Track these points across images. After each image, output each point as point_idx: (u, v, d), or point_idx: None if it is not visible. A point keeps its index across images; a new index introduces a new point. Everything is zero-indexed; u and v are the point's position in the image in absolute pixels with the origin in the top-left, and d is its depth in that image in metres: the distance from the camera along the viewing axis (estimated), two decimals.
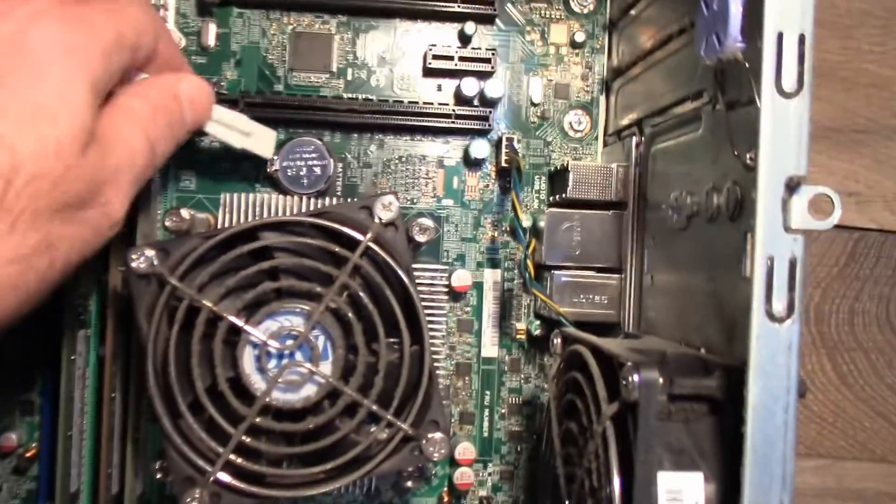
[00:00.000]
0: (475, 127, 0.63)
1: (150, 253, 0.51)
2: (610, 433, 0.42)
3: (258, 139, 0.58)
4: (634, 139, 0.59)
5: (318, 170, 0.62)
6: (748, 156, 0.41)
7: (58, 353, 0.58)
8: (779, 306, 0.38)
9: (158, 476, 0.54)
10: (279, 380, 0.52)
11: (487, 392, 0.66)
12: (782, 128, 0.38)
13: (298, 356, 0.52)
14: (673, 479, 0.40)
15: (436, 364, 0.59)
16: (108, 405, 0.58)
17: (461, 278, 0.64)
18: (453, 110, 0.63)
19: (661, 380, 0.40)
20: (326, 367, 0.52)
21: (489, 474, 0.66)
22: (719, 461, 0.41)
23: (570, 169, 0.60)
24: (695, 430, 0.42)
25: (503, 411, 0.66)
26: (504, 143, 0.63)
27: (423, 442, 0.53)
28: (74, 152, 0.40)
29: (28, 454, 0.61)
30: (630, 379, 0.40)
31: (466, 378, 0.66)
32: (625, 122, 0.62)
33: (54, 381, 0.59)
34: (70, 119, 0.40)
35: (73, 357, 0.58)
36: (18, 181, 0.38)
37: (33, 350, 0.60)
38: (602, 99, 0.66)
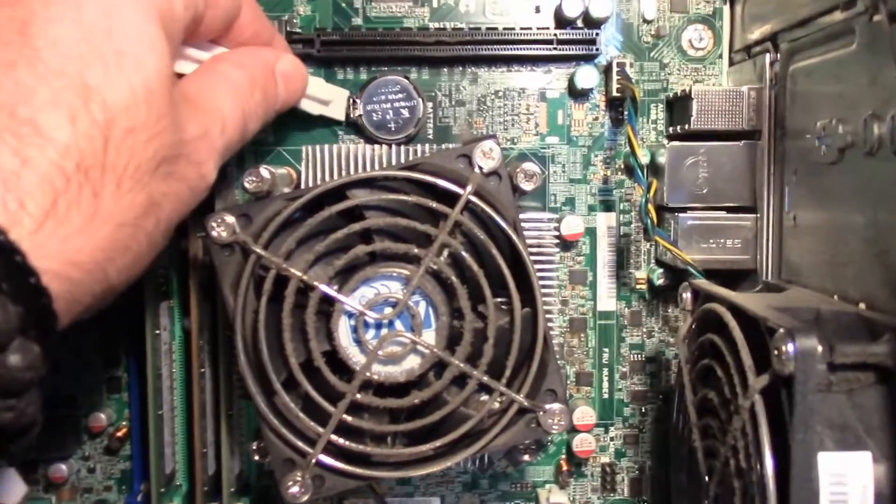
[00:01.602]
0: (580, 52, 0.61)
1: (231, 219, 0.51)
2: (760, 408, 0.40)
3: (334, 104, 0.60)
4: (768, 56, 0.55)
5: (405, 112, 0.61)
6: None
7: (141, 327, 0.59)
8: None
9: (256, 458, 0.54)
10: (379, 352, 0.51)
11: (606, 349, 0.64)
12: None
13: (398, 325, 0.51)
14: (836, 459, 0.38)
15: (549, 317, 0.57)
16: (197, 381, 0.59)
17: (572, 225, 0.61)
18: (554, 35, 0.60)
19: (819, 347, 0.38)
20: (430, 336, 0.51)
21: (611, 439, 0.65)
22: (891, 438, 0.38)
23: (692, 95, 0.57)
24: (860, 403, 0.39)
25: (624, 370, 0.65)
26: (614, 68, 0.60)
27: (541, 414, 0.52)
28: (164, 98, 0.40)
29: (119, 434, 0.62)
30: (783, 348, 0.38)
31: (582, 335, 0.64)
32: (755, 35, 0.58)
33: (139, 357, 0.60)
34: (154, 61, 0.40)
35: (157, 332, 0.58)
36: (116, 136, 0.38)
37: (115, 323, 0.61)
38: (726, 10, 0.62)
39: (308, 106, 0.58)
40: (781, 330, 0.38)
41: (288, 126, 0.61)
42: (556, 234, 0.61)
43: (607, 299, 0.64)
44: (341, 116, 0.60)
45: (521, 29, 0.60)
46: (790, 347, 0.37)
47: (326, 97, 0.59)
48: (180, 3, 0.43)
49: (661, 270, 0.62)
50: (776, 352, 0.38)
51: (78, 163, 0.36)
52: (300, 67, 0.54)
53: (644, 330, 0.64)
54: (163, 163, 0.41)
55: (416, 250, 0.50)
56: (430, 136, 0.62)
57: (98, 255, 0.38)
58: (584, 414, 0.63)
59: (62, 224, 0.36)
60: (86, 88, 0.37)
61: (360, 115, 0.61)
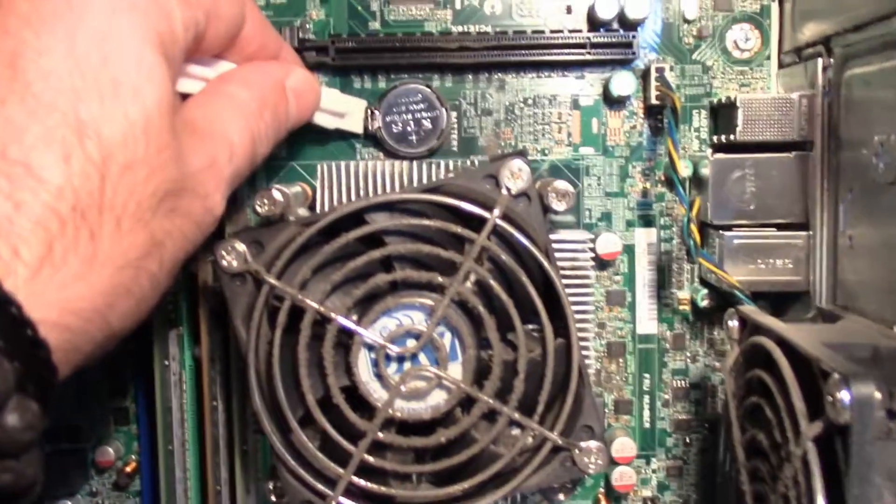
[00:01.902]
0: (616, 56, 0.60)
1: (242, 247, 0.51)
2: (813, 457, 0.40)
3: (351, 116, 0.60)
4: (821, 61, 0.55)
5: (427, 122, 0.61)
6: None
7: (148, 353, 0.60)
8: None
9: (273, 498, 0.55)
10: (402, 388, 0.51)
11: (646, 375, 0.64)
12: None
13: (422, 359, 0.52)
14: None
15: (584, 346, 0.57)
16: (209, 415, 0.60)
17: (608, 243, 0.61)
18: (588, 38, 0.60)
19: (877, 394, 0.37)
20: (456, 370, 0.52)
21: (653, 472, 0.65)
22: None
23: (738, 103, 0.56)
24: None
25: (666, 397, 0.64)
26: (653, 73, 0.60)
27: (576, 452, 0.52)
28: (165, 129, 0.40)
29: (128, 469, 0.63)
30: (838, 395, 0.37)
31: (620, 360, 0.64)
32: (806, 37, 0.57)
33: (148, 388, 0.61)
34: (153, 90, 0.40)
35: (166, 362, 0.59)
36: (113, 173, 0.38)
37: (122, 351, 0.61)
38: (774, 7, 0.62)
39: (322, 120, 0.58)
40: (836, 375, 0.38)
41: (302, 139, 0.61)
42: (592, 252, 0.61)
43: (648, 322, 0.64)
44: (359, 129, 0.61)
45: (552, 32, 0.60)
46: (845, 395, 0.37)
47: (342, 109, 0.59)
48: (180, 24, 0.43)
49: (705, 291, 0.62)
50: (830, 398, 0.38)
51: (73, 204, 0.37)
52: (312, 81, 0.54)
53: (688, 354, 0.64)
54: (165, 199, 0.41)
55: (440, 279, 0.50)
56: (455, 149, 0.62)
57: (98, 300, 0.38)
58: (624, 445, 0.63)
59: (59, 270, 0.36)
60: (80, 124, 0.37)
61: (378, 128, 0.61)
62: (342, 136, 0.61)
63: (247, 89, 0.49)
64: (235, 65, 0.51)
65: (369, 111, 0.61)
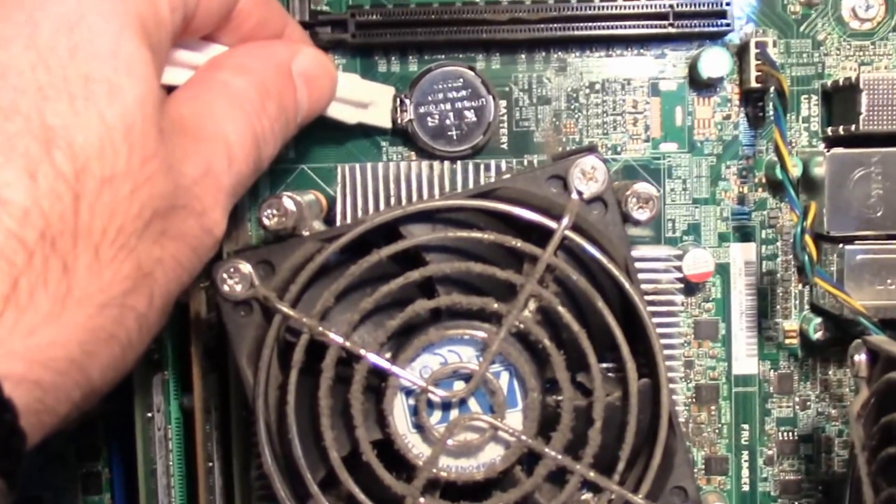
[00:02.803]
0: (706, 29, 0.61)
1: (247, 269, 0.51)
2: None
3: (376, 107, 0.61)
4: None
5: (470, 114, 0.61)
6: None
7: (127, 407, 0.60)
8: None
9: None
10: (448, 441, 0.51)
11: (745, 426, 0.64)
12: None
13: (473, 405, 0.52)
14: None
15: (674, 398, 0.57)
16: (204, 479, 0.60)
17: (697, 262, 0.61)
18: (671, 6, 0.60)
19: None
20: (515, 419, 0.52)
21: None
22: None
23: (860, 85, 0.57)
24: None
25: (770, 452, 0.64)
26: (752, 49, 0.60)
27: None
28: (151, 134, 0.40)
29: None
30: None
31: (712, 407, 0.64)
32: None
33: (126, 448, 0.61)
34: (134, 87, 0.40)
35: (149, 414, 0.59)
36: (89, 190, 0.38)
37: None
38: None
39: (340, 112, 0.59)
40: None
41: (315, 137, 0.62)
42: (677, 273, 0.61)
43: (746, 359, 0.64)
44: (386, 122, 0.61)
45: None
46: None
47: (364, 98, 0.60)
48: (165, 3, 0.43)
49: (818, 320, 0.62)
50: None
51: (42, 230, 0.37)
52: (325, 63, 0.55)
53: (796, 399, 0.64)
54: (154, 219, 0.41)
55: (495, 305, 0.50)
56: (505, 147, 0.63)
57: (74, 348, 0.38)
58: None
59: (26, 312, 0.36)
60: (47, 130, 0.37)
61: (410, 121, 0.61)
62: (365, 131, 0.62)
63: (244, 76, 0.49)
64: (227, 48, 0.51)
65: (398, 100, 0.61)
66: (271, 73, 0.50)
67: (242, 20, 0.50)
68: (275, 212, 0.53)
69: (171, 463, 0.61)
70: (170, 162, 0.42)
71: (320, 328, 0.51)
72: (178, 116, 0.45)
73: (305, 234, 0.54)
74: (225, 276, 0.51)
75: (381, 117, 0.61)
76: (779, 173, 0.58)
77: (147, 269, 0.41)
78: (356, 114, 0.60)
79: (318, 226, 0.56)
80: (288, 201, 0.54)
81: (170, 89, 0.47)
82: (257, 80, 0.49)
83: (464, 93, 0.62)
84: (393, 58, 0.63)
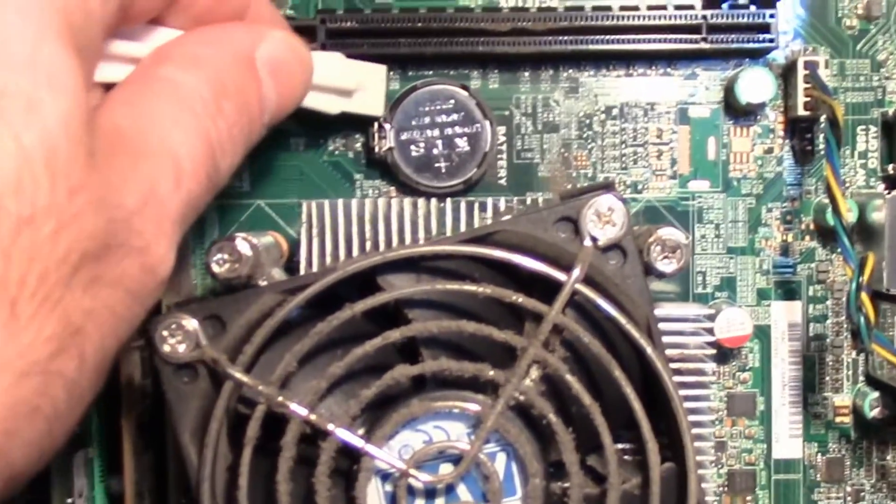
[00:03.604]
0: (745, 45, 0.61)
1: (192, 325, 0.51)
2: None
3: (364, 91, 0.60)
4: None
5: (463, 142, 0.62)
6: None
7: (43, 491, 0.60)
8: None
9: None
10: None
11: None
12: None
13: (463, 492, 0.52)
14: None
15: (703, 486, 0.57)
16: None
17: (732, 323, 0.62)
18: (703, 17, 0.61)
19: None
20: None
21: None
22: None
23: None
24: None
25: None
26: (800, 70, 0.61)
27: None
28: (78, 161, 0.39)
29: None
30: None
31: (748, 497, 0.64)
32: None
33: None
34: (58, 102, 0.39)
35: (69, 500, 0.59)
36: (3, 233, 0.37)
37: None
38: None
39: (317, 102, 0.58)
40: None
41: (274, 166, 0.62)
42: (708, 337, 0.61)
43: (788, 441, 0.64)
44: (377, 109, 0.61)
45: (650, 8, 0.61)
46: None
47: (348, 83, 0.59)
48: None
49: (875, 395, 0.63)
50: None
51: None
52: (297, 48, 0.53)
53: (848, 489, 0.64)
54: (84, 263, 0.40)
55: (490, 372, 0.51)
56: (503, 182, 0.64)
57: None
58: None
59: None
60: None
61: (390, 149, 0.62)
62: (334, 163, 0.63)
63: (195, 71, 0.48)
64: (180, 31, 0.50)
65: (376, 125, 0.62)
66: (229, 64, 0.49)
67: None
68: (226, 257, 0.54)
69: None
70: (103, 192, 0.41)
71: (280, 398, 0.51)
72: (113, 129, 0.44)
73: (263, 283, 0.54)
74: (165, 333, 0.51)
75: (370, 103, 0.61)
76: (830, 218, 0.59)
77: (76, 324, 0.40)
78: (338, 102, 0.59)
79: (278, 274, 0.56)
80: (242, 244, 0.54)
81: (108, 88, 0.47)
82: (211, 74, 0.48)
83: (455, 116, 0.62)
84: None
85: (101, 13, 0.42)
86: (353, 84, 0.59)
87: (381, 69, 0.61)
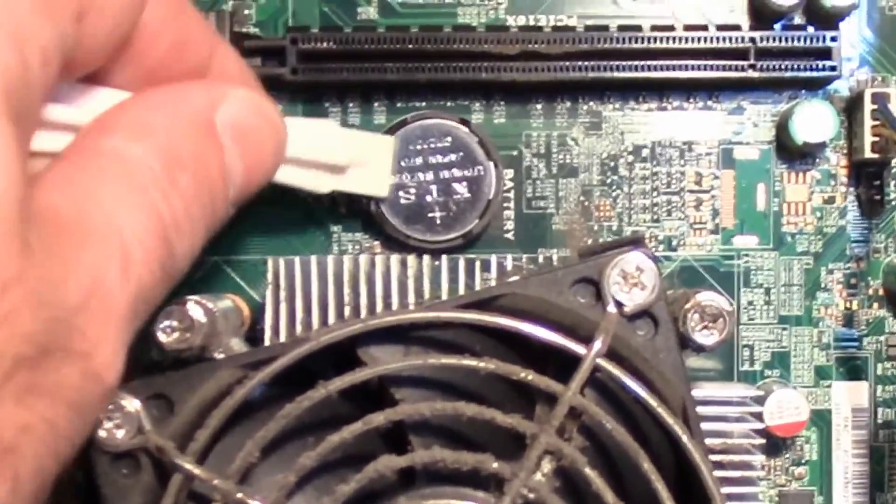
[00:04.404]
0: (801, 74, 0.62)
1: (134, 406, 0.51)
2: None
3: (364, 168, 0.60)
4: None
5: (462, 187, 0.62)
6: None
7: None
8: None
9: None
10: None
11: None
12: None
13: None
14: None
15: None
16: None
17: (786, 407, 0.62)
18: (751, 40, 0.62)
19: None
20: None
21: None
22: None
23: None
24: None
25: None
26: (867, 104, 0.61)
27: None
28: (10, 252, 0.39)
29: None
30: None
31: None
32: None
33: None
34: None
35: None
36: None
37: None
38: None
39: (305, 179, 0.58)
40: None
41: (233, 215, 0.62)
42: (757, 424, 0.61)
43: None
44: (381, 189, 0.62)
45: (688, 28, 0.62)
46: None
47: (340, 158, 0.59)
48: (36, 54, 0.42)
49: None
50: None
51: None
52: (265, 109, 0.54)
53: None
54: (17, 371, 0.40)
55: (494, 465, 0.51)
56: (510, 236, 0.64)
57: None
58: None
59: None
60: None
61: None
62: (307, 211, 0.63)
63: (144, 140, 0.48)
64: (127, 94, 0.51)
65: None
66: (184, 130, 0.49)
67: (147, 45, 0.50)
68: (175, 324, 0.54)
69: None
70: (40, 286, 0.41)
71: (239, 494, 0.51)
72: (51, 211, 0.43)
73: (219, 356, 0.54)
74: (101, 416, 0.51)
75: (372, 182, 0.61)
76: None
77: (8, 441, 0.40)
78: (328, 180, 0.59)
79: (238, 345, 0.56)
80: (195, 309, 0.54)
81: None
82: (163, 142, 0.48)
83: (453, 157, 0.62)
84: (351, 104, 0.64)
85: (41, 76, 0.42)
86: (345, 159, 0.59)
87: (389, 141, 0.61)
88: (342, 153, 0.59)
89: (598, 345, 0.51)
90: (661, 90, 0.64)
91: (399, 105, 0.64)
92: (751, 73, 0.62)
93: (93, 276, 0.44)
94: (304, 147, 0.57)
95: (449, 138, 0.62)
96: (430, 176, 0.62)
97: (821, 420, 0.64)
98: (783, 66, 0.62)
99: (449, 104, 0.64)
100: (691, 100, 0.64)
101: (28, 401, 0.41)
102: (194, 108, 0.50)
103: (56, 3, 0.42)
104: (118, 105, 0.49)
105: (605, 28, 0.62)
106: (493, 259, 0.60)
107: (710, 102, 0.64)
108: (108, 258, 0.44)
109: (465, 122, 0.63)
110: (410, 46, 0.62)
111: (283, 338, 0.58)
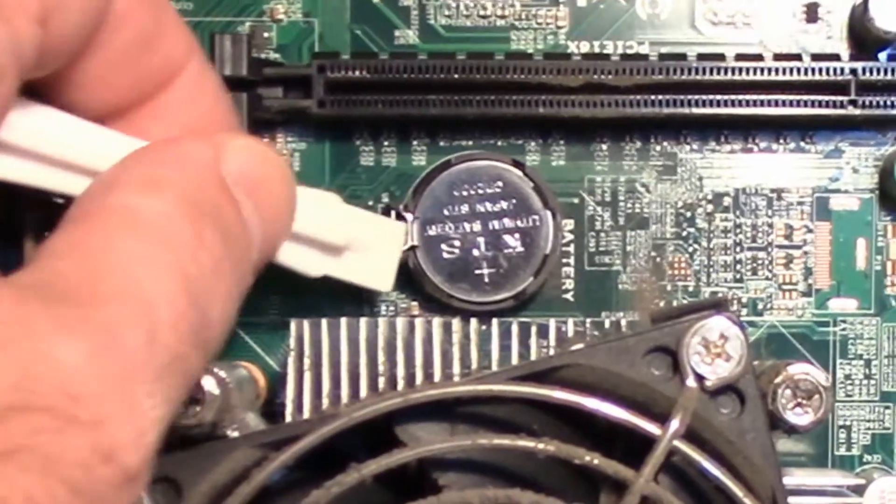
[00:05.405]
0: None
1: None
2: None
3: (364, 253, 0.60)
4: None
5: (514, 240, 0.63)
6: None
7: None
8: None
9: None
10: None
11: None
12: None
13: None
14: None
15: None
16: None
17: (888, 499, 0.61)
18: (852, 72, 0.62)
19: None
20: None
21: None
22: None
23: None
24: None
25: None
26: None
27: None
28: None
29: None
30: None
31: None
32: None
33: None
34: None
35: None
36: None
37: None
38: None
39: (294, 257, 0.57)
40: None
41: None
42: None
43: None
44: (383, 283, 0.61)
45: (778, 57, 0.63)
46: None
47: (336, 237, 0.58)
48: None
49: None
50: None
51: None
52: (269, 156, 0.53)
53: None
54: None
55: None
56: (570, 297, 0.65)
57: None
58: None
59: None
60: None
61: (412, 248, 0.63)
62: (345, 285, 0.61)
63: (159, 192, 0.47)
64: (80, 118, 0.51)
65: (396, 213, 0.63)
66: (197, 183, 0.49)
67: (111, 28, 0.50)
68: (191, 399, 0.55)
69: None
70: (22, 334, 0.40)
71: None
72: (57, 279, 0.43)
73: (234, 434, 0.55)
74: None
75: (372, 272, 0.61)
76: None
77: None
78: (321, 262, 0.58)
79: (255, 421, 0.57)
80: (206, 380, 0.55)
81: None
82: (181, 195, 0.47)
83: (504, 205, 0.63)
84: (386, 142, 0.65)
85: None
86: (342, 240, 0.58)
87: (399, 228, 0.61)
88: (340, 232, 0.58)
89: (675, 424, 0.52)
90: (746, 129, 0.65)
91: (442, 144, 0.64)
92: (851, 111, 0.62)
93: (107, 335, 0.42)
94: (296, 218, 0.55)
95: (500, 183, 0.63)
96: (477, 226, 0.63)
97: None
98: (888, 103, 0.62)
99: (500, 143, 0.64)
100: (781, 140, 0.65)
101: (9, 465, 0.39)
102: (200, 160, 0.50)
103: (10, 8, 0.42)
104: (118, 164, 0.49)
105: (683, 57, 0.63)
106: (552, 323, 0.60)
107: (803, 144, 0.65)
108: (127, 318, 0.43)
109: (518, 165, 0.63)
110: (456, 76, 0.62)
111: (306, 413, 0.59)
